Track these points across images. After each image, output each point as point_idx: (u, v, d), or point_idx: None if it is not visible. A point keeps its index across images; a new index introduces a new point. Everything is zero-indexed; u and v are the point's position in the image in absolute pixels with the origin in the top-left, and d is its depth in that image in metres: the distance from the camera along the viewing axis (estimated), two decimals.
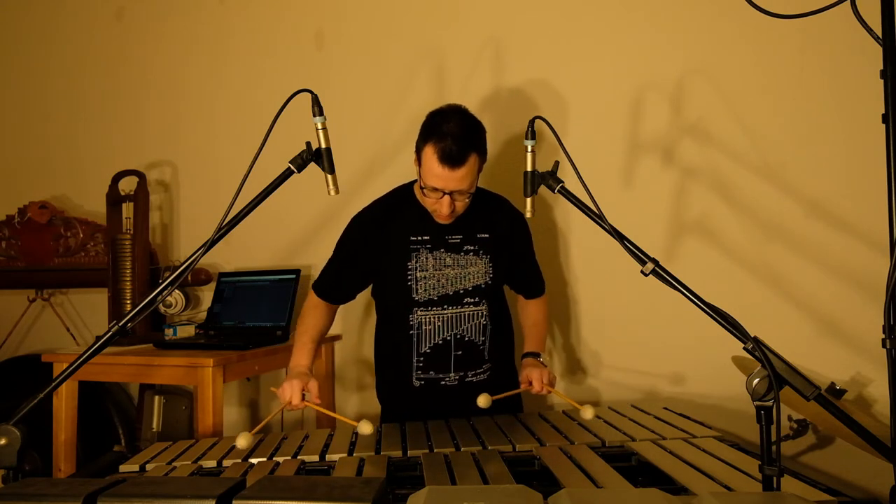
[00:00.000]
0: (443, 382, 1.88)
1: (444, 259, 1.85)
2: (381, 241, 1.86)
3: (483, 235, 1.88)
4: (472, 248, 1.87)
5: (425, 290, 1.84)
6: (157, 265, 2.78)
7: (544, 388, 1.82)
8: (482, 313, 1.89)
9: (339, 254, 1.93)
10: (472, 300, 1.87)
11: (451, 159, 1.64)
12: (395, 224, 1.86)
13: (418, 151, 1.73)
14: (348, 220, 1.93)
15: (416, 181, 1.90)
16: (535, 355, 1.94)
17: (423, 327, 1.86)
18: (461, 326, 1.87)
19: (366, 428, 1.56)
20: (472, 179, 1.70)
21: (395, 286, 1.85)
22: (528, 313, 2.07)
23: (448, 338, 1.87)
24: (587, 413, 1.69)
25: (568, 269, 2.38)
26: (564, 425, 1.71)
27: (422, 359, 1.87)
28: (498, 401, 1.83)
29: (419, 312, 1.85)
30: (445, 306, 1.85)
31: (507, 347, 2.04)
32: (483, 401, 1.77)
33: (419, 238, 1.84)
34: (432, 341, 1.87)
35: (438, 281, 1.84)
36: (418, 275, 1.83)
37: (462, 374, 1.89)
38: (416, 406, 1.88)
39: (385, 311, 1.97)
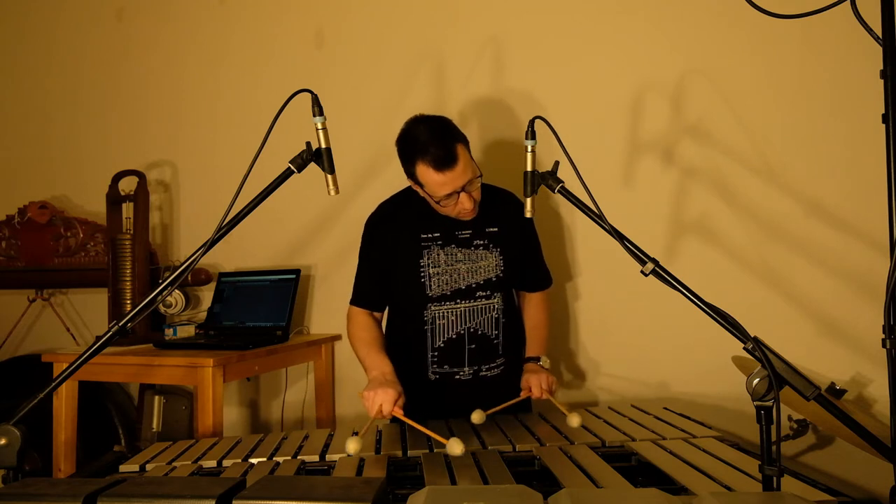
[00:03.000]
0: (457, 376, 1.90)
1: (456, 254, 1.86)
2: (392, 240, 1.88)
3: (492, 229, 1.89)
4: (482, 242, 1.88)
5: (438, 286, 1.86)
6: (157, 265, 2.78)
7: (543, 394, 1.81)
8: (495, 307, 1.91)
9: (361, 259, 1.97)
10: (485, 294, 1.89)
11: (445, 161, 1.66)
12: (404, 223, 1.88)
13: (412, 175, 1.74)
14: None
15: None
16: (536, 360, 1.95)
17: (437, 322, 1.88)
18: (474, 320, 1.89)
19: (456, 448, 1.43)
20: (472, 166, 1.73)
21: (409, 283, 1.87)
22: (529, 315, 2.05)
23: (462, 332, 1.88)
24: (573, 421, 1.64)
25: (569, 269, 2.38)
26: (564, 425, 1.70)
27: (436, 353, 1.89)
28: (506, 400, 1.84)
29: (433, 307, 1.87)
30: (458, 300, 1.87)
31: (520, 343, 2.05)
32: (477, 417, 1.72)
33: (430, 235, 1.86)
34: (446, 335, 1.88)
35: (451, 276, 1.86)
36: (431, 271, 1.85)
37: (476, 367, 1.90)
38: (430, 400, 1.88)
39: (399, 306, 1.99)
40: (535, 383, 1.83)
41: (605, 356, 2.34)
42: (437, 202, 1.74)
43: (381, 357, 1.81)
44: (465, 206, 1.74)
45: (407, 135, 1.73)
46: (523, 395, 1.84)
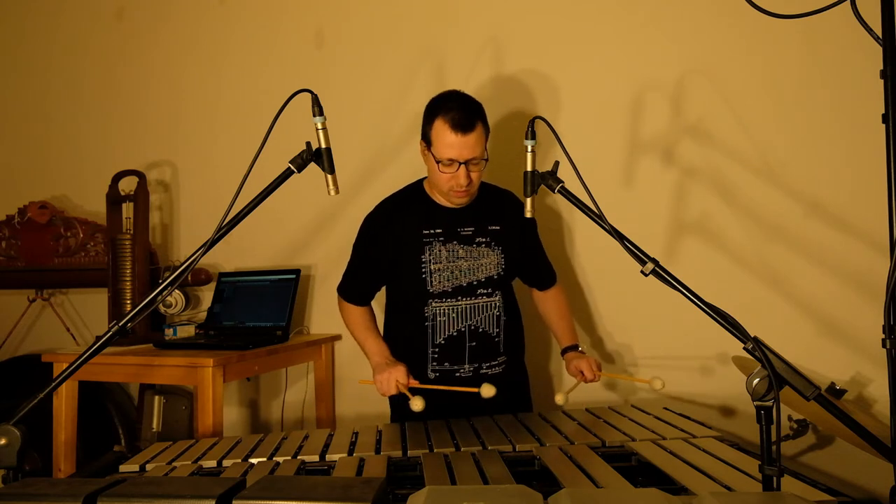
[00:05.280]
0: (457, 374, 1.90)
1: (457, 251, 1.87)
2: (393, 237, 1.89)
3: (494, 227, 1.90)
4: (483, 239, 1.89)
5: (439, 282, 1.86)
6: (157, 265, 2.78)
7: (596, 375, 1.87)
8: (496, 304, 1.91)
9: (356, 255, 1.98)
10: (486, 291, 1.89)
11: (462, 125, 1.70)
12: (406, 218, 1.89)
13: (426, 133, 1.77)
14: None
15: (424, 178, 1.93)
16: (574, 347, 1.98)
17: (438, 318, 1.88)
18: (475, 318, 1.89)
19: (488, 391, 1.69)
20: (482, 147, 1.75)
21: (410, 279, 1.87)
22: (550, 308, 2.07)
23: (462, 329, 1.89)
24: (657, 384, 1.79)
25: (569, 269, 2.38)
26: (564, 425, 1.71)
27: (437, 350, 1.89)
28: (507, 399, 1.85)
29: (434, 304, 1.87)
30: (459, 297, 1.88)
31: (520, 342, 2.05)
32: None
33: (432, 231, 1.87)
34: (447, 332, 1.88)
35: (452, 273, 1.86)
36: (432, 267, 1.86)
37: (476, 365, 1.90)
38: (430, 398, 1.87)
39: (399, 303, 1.99)
40: (585, 367, 1.87)
41: (604, 356, 2.34)
42: (438, 163, 1.75)
43: (378, 342, 1.92)
44: (459, 182, 1.75)
45: (438, 95, 1.79)
46: (578, 379, 1.89)
